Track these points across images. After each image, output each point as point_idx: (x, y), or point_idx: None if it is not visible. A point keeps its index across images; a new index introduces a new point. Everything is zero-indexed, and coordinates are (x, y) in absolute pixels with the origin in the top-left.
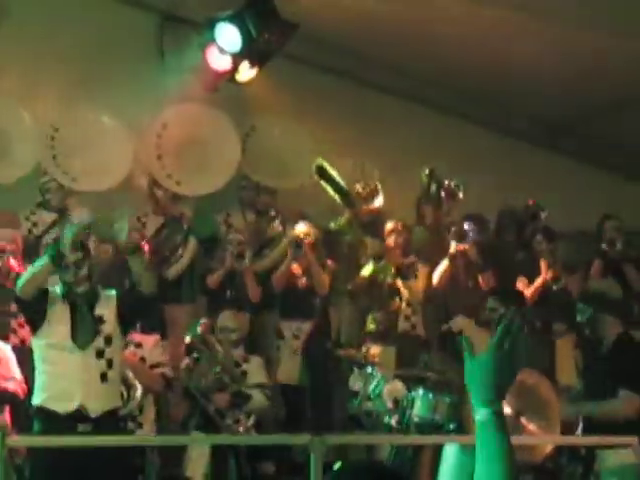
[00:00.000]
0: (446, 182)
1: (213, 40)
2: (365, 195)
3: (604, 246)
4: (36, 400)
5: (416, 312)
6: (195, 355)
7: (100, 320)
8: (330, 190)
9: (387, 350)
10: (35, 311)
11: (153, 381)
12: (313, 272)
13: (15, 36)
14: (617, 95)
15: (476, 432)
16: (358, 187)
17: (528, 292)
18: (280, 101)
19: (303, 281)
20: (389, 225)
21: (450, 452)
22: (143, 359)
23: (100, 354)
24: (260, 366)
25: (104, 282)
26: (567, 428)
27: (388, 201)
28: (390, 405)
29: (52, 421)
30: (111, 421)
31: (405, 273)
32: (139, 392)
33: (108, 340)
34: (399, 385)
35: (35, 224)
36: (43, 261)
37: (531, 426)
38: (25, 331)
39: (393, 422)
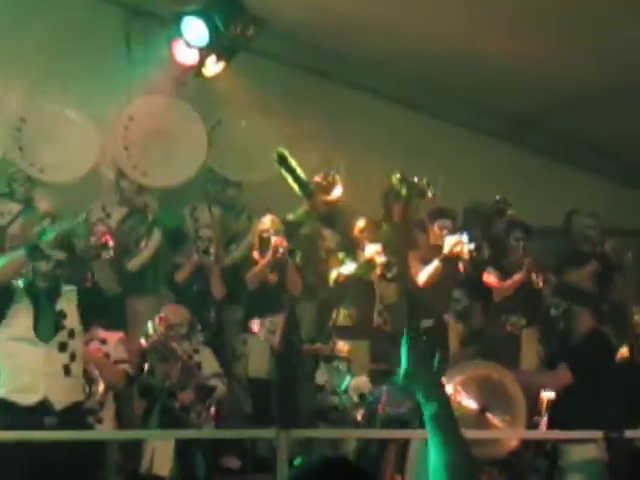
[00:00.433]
0: (415, 179)
1: (180, 34)
2: (324, 186)
3: (585, 247)
4: None
5: (388, 308)
6: (152, 357)
7: (61, 314)
8: (289, 179)
9: (360, 345)
10: None
11: (116, 377)
12: (289, 274)
13: None
14: (582, 90)
15: (426, 425)
16: (317, 178)
17: (502, 285)
18: (246, 95)
19: (273, 276)
20: (361, 223)
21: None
22: (107, 355)
23: (63, 347)
24: (211, 355)
25: (64, 277)
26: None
27: (353, 195)
28: (356, 399)
29: (15, 414)
30: (75, 415)
31: (385, 273)
32: (101, 387)
33: (71, 333)
34: (365, 380)
35: (1, 214)
36: (18, 254)
37: (496, 421)
38: None
39: (359, 416)
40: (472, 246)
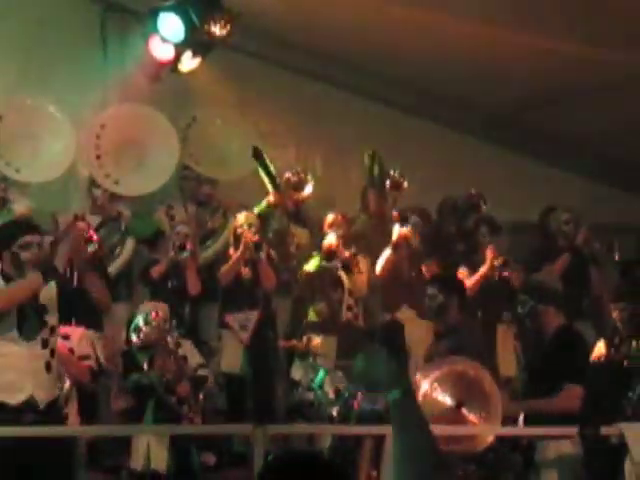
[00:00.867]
0: (391, 172)
1: (156, 30)
2: (294, 183)
3: (562, 242)
4: None
5: (358, 302)
6: (142, 352)
7: (44, 309)
8: (262, 172)
9: (328, 340)
10: None
11: (82, 373)
12: (262, 270)
13: None
14: (555, 87)
15: (390, 413)
16: (288, 174)
17: (470, 281)
18: (222, 91)
19: (247, 272)
20: (330, 218)
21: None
22: (72, 350)
23: (45, 344)
24: (192, 347)
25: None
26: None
27: (330, 190)
28: (331, 395)
29: (1, 413)
30: (55, 411)
31: (349, 266)
32: (67, 383)
33: (52, 330)
34: (340, 375)
35: None
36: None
37: (472, 417)
38: None
39: (334, 412)
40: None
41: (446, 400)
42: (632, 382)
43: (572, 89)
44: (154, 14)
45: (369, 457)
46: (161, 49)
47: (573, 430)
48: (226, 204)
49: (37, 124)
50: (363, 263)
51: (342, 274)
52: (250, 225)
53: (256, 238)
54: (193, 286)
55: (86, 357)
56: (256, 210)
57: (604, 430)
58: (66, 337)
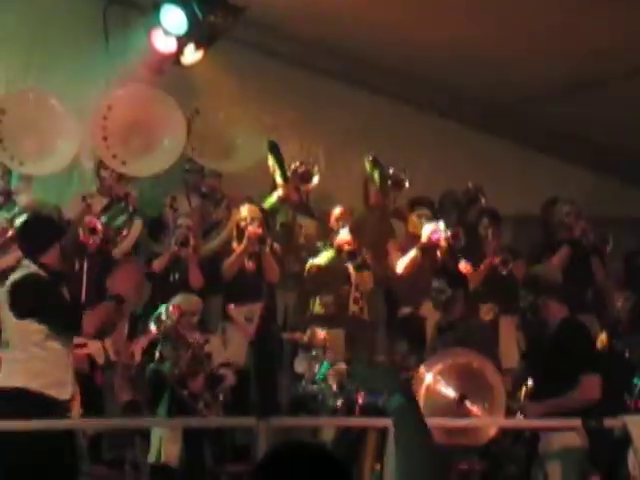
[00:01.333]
0: (391, 171)
1: (158, 22)
2: (301, 173)
3: (563, 234)
4: (31, 384)
5: (365, 296)
6: (162, 343)
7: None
8: (275, 166)
9: (336, 333)
10: None
11: (80, 361)
12: (266, 263)
13: None
14: (555, 79)
15: (391, 419)
16: (295, 165)
17: (474, 275)
18: (225, 84)
19: (250, 265)
20: (337, 211)
21: None
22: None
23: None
24: (221, 346)
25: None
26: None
27: (333, 183)
28: (335, 388)
29: (49, 408)
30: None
31: (365, 264)
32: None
33: None
34: (344, 368)
35: None
36: None
37: (475, 409)
38: None
39: (338, 404)
40: (449, 233)
41: (449, 393)
42: (635, 374)
43: (573, 81)
44: (157, 7)
45: (372, 450)
46: (164, 42)
47: (576, 422)
48: (230, 196)
49: (40, 117)
50: (368, 258)
51: (350, 268)
52: (253, 219)
53: (260, 232)
54: (195, 280)
55: (83, 345)
56: (266, 204)
57: (607, 422)
58: None
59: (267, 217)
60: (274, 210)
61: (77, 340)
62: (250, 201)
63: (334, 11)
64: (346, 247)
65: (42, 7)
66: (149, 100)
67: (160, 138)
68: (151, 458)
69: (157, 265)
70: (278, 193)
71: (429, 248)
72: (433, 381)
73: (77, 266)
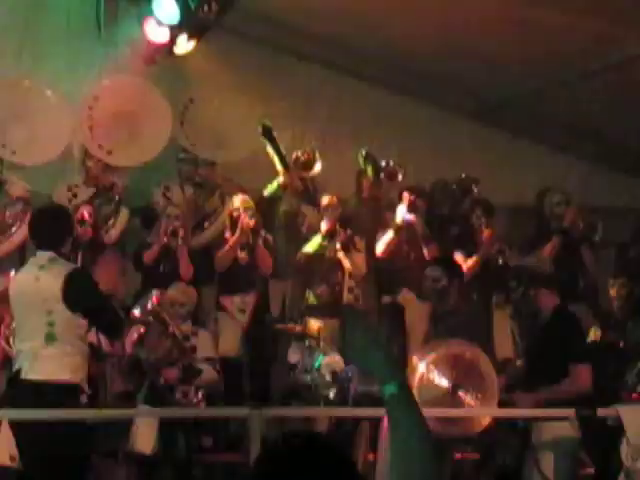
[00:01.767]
0: (383, 163)
1: (151, 12)
2: (303, 161)
3: (554, 224)
4: (75, 378)
5: (359, 284)
6: (143, 329)
7: None
8: (271, 151)
9: (330, 323)
10: None
11: None
12: (259, 255)
13: None
14: (551, 71)
15: (385, 409)
16: (297, 154)
17: (468, 264)
18: (218, 74)
19: (243, 255)
20: (325, 200)
21: None
22: None
23: None
24: (209, 340)
25: None
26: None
27: (326, 172)
28: (328, 378)
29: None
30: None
31: (347, 246)
32: None
33: None
34: (337, 358)
35: None
36: None
37: (468, 399)
38: None
39: (331, 394)
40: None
41: (442, 383)
42: (629, 364)
43: (570, 71)
44: None
45: (366, 439)
46: (156, 32)
47: (570, 412)
48: (223, 186)
49: (33, 106)
50: (360, 243)
51: (342, 256)
52: (246, 209)
53: (253, 223)
54: (185, 271)
55: None
56: (267, 192)
57: (601, 412)
58: None
59: (267, 205)
60: (277, 198)
61: None
62: (243, 191)
63: (328, 1)
64: (329, 230)
65: None
66: (135, 90)
67: (146, 128)
68: (128, 446)
69: (147, 256)
70: (279, 180)
71: (407, 230)
72: (426, 371)
73: (70, 258)
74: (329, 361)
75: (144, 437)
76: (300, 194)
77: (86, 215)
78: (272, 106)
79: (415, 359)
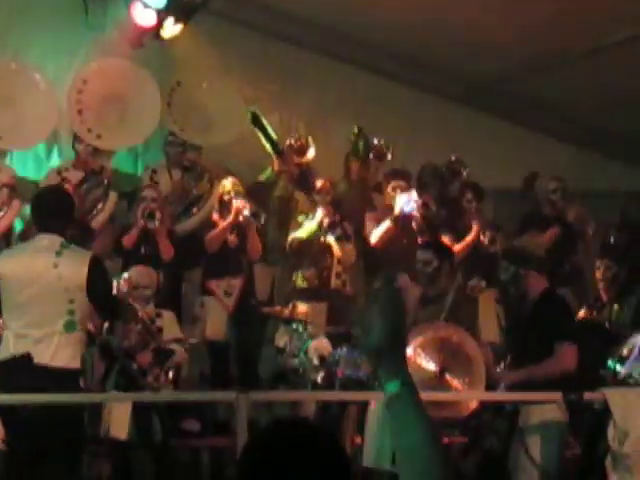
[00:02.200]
0: (375, 141)
1: None
2: (297, 147)
3: (548, 210)
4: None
5: (347, 270)
6: None
7: None
8: (262, 138)
9: (318, 307)
10: None
11: None
12: (250, 238)
13: None
14: (538, 54)
15: (387, 406)
16: (290, 140)
17: (456, 248)
18: (205, 57)
19: (232, 238)
20: (318, 183)
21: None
22: None
23: None
24: (173, 321)
25: None
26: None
27: (314, 156)
28: (316, 362)
29: None
30: None
31: (344, 236)
32: None
33: None
34: (325, 342)
35: None
36: None
37: (456, 382)
38: None
39: (319, 379)
40: (420, 202)
41: (430, 366)
42: (614, 347)
43: (555, 56)
44: None
45: (353, 423)
46: (143, 15)
47: (557, 395)
48: (212, 170)
49: (19, 90)
50: (349, 228)
51: (332, 241)
52: (237, 193)
53: (247, 205)
54: (165, 252)
55: None
56: (262, 177)
57: (588, 395)
58: None
59: (260, 190)
60: (271, 183)
61: None
62: (231, 175)
63: None
64: (325, 219)
65: None
66: (124, 74)
67: (135, 112)
68: (101, 431)
69: (127, 240)
70: (273, 166)
71: (404, 220)
72: (414, 354)
73: None
74: (317, 345)
75: (118, 422)
76: (295, 180)
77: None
78: (259, 89)
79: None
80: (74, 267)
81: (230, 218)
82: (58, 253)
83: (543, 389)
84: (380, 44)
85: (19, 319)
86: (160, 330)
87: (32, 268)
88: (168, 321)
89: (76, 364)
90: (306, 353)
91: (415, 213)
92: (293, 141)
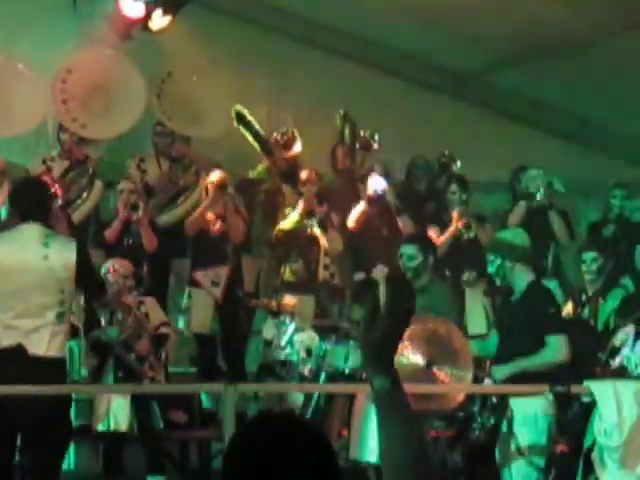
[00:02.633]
0: (361, 132)
1: None
2: (283, 142)
3: (526, 201)
4: None
5: (335, 261)
6: (109, 309)
7: None
8: (248, 137)
9: (305, 299)
10: None
11: None
12: (228, 218)
13: None
14: (523, 46)
15: (375, 401)
16: (276, 135)
17: (439, 240)
18: (194, 49)
19: (217, 226)
20: (304, 174)
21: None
22: None
23: None
24: (156, 305)
25: None
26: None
27: (302, 149)
28: (303, 354)
29: None
30: None
31: (324, 224)
32: None
33: None
34: (312, 334)
35: None
36: None
37: (443, 375)
38: None
39: (306, 371)
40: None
41: (417, 358)
42: (601, 342)
43: (541, 48)
44: None
45: (340, 415)
46: (131, 7)
47: (544, 388)
48: (199, 162)
49: (8, 81)
50: (335, 220)
51: (318, 233)
52: (221, 183)
53: (221, 182)
54: (149, 242)
55: None
56: (252, 174)
57: (574, 389)
58: None
59: (249, 183)
60: (260, 179)
61: None
62: (219, 167)
63: None
64: (304, 207)
65: None
66: (109, 63)
67: (120, 101)
68: (99, 425)
69: (110, 234)
70: (263, 164)
71: (378, 201)
72: (401, 347)
73: None
74: (304, 337)
75: (119, 415)
76: (283, 173)
77: (58, 192)
78: (248, 82)
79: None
80: (63, 258)
81: (207, 199)
82: (46, 244)
83: (531, 382)
84: (368, 37)
85: (9, 310)
86: (147, 316)
87: (20, 258)
88: (151, 306)
89: (64, 354)
90: (293, 345)
91: (386, 186)
92: (279, 136)
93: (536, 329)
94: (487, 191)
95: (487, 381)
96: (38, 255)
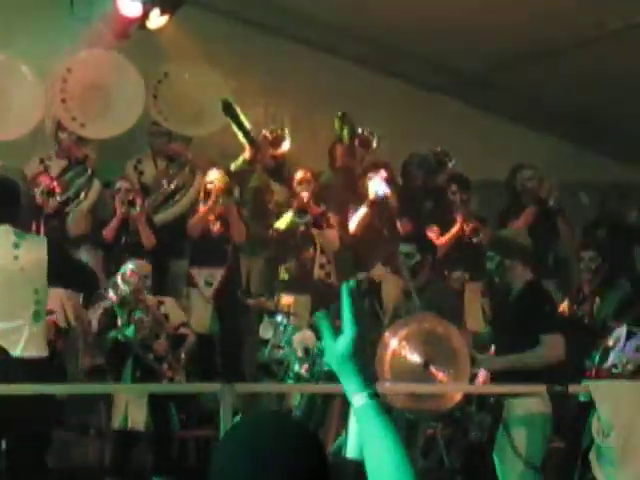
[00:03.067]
0: (360, 130)
1: None
2: (272, 139)
3: (525, 198)
4: None
5: (331, 260)
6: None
7: None
8: (234, 127)
9: (301, 299)
10: None
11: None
12: (232, 222)
13: None
14: (524, 46)
15: (356, 418)
16: (265, 132)
17: (441, 241)
18: (191, 49)
19: (217, 227)
20: (299, 174)
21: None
22: None
23: None
24: (175, 305)
25: None
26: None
27: (298, 148)
28: (300, 354)
29: None
30: None
31: (320, 223)
32: None
33: None
34: (309, 334)
35: None
36: None
37: (440, 375)
38: None
39: (303, 371)
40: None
41: (414, 358)
42: (596, 341)
43: (540, 48)
44: None
45: (337, 415)
46: (129, 6)
47: (541, 388)
48: (195, 161)
49: (5, 80)
50: (333, 219)
51: (314, 232)
52: (227, 189)
53: (225, 186)
54: (147, 239)
55: (50, 312)
56: (232, 166)
57: (571, 388)
58: None
59: (236, 180)
60: (247, 173)
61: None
62: (215, 166)
63: None
64: (301, 206)
65: None
66: (108, 63)
67: (119, 101)
68: (116, 424)
69: (108, 232)
70: (244, 155)
71: (380, 204)
72: (398, 346)
73: (34, 227)
74: (301, 337)
75: (136, 414)
76: (270, 171)
77: (57, 189)
78: (245, 81)
79: (387, 335)
80: (34, 257)
81: (210, 201)
82: (16, 245)
83: (528, 381)
84: (366, 36)
85: None
86: (166, 317)
87: None
88: (171, 307)
89: (46, 352)
90: (290, 345)
91: (389, 192)
92: (268, 133)
93: (531, 328)
94: (484, 190)
95: (481, 372)
96: (8, 256)
